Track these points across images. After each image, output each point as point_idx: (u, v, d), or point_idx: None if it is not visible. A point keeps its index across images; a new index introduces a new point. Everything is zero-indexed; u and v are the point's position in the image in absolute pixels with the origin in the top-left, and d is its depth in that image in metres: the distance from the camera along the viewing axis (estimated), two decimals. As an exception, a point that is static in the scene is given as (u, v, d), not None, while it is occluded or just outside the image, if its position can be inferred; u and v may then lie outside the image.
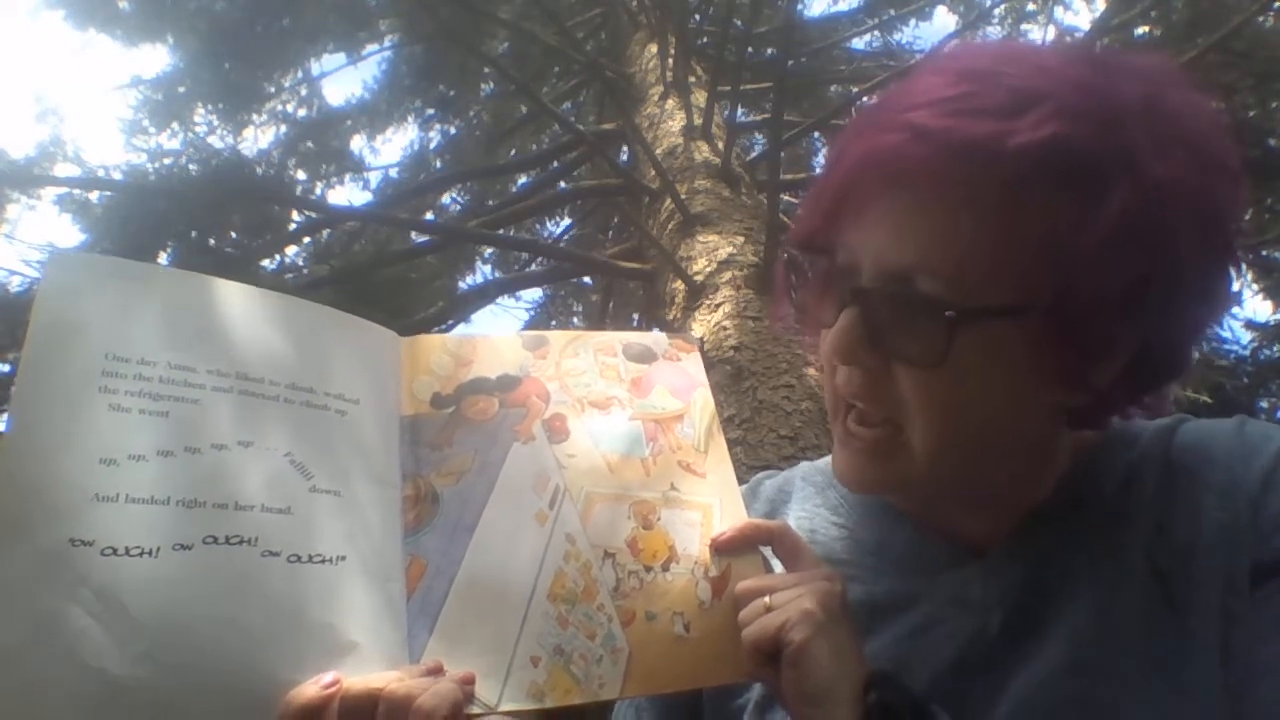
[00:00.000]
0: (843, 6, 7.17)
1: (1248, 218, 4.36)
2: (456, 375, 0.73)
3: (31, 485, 0.52)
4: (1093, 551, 0.59)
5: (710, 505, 0.69)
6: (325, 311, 0.70)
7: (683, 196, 3.56)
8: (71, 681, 0.49)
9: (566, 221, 6.97)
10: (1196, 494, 0.58)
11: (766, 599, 0.60)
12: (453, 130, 7.20)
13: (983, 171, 0.50)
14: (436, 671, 0.57)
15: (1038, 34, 6.19)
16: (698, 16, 5.89)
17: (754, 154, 5.10)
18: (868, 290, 0.55)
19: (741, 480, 0.74)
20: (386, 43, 6.24)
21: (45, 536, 0.51)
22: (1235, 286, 0.58)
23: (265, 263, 5.14)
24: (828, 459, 0.79)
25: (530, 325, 6.87)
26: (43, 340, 0.57)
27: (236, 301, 0.65)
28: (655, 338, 0.80)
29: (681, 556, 0.66)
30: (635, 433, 0.72)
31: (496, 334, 0.78)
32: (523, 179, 6.68)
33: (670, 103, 4.45)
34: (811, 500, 0.74)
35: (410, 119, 7.03)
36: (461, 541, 0.64)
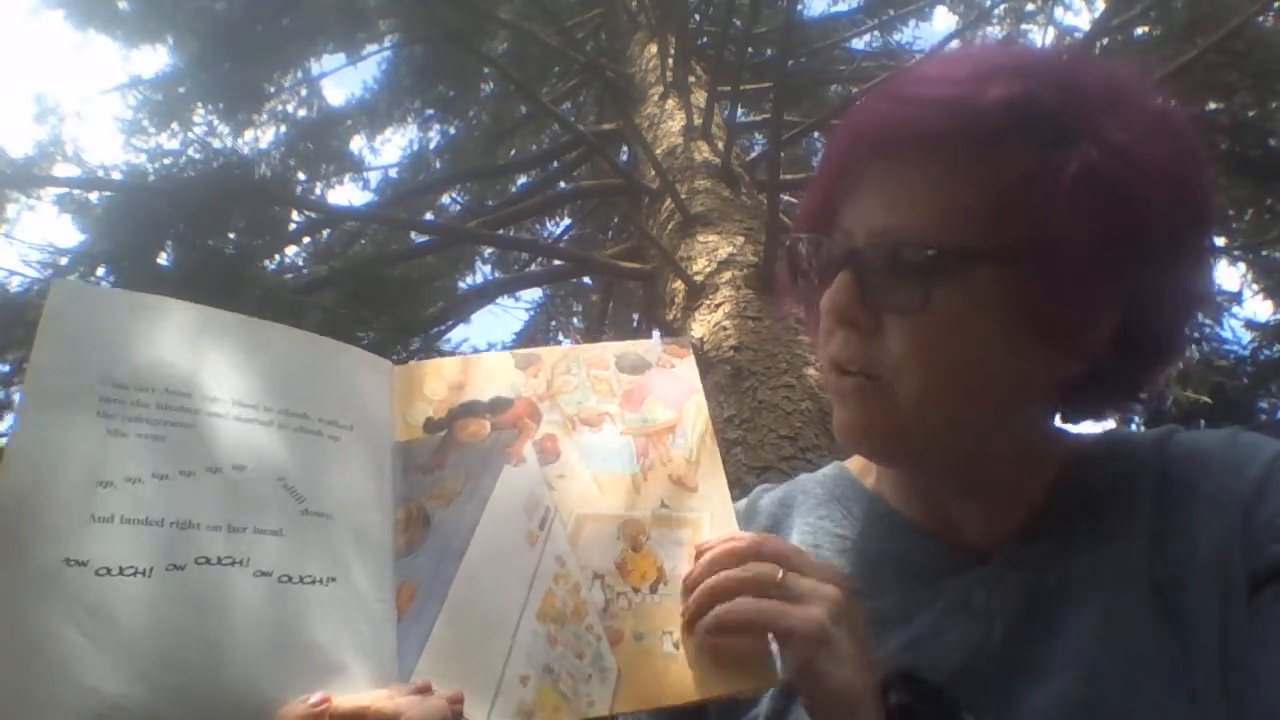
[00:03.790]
0: (843, 6, 7.17)
1: (1247, 218, 4.36)
2: (449, 399, 0.74)
3: (28, 505, 0.53)
4: (1094, 558, 0.60)
5: (700, 519, 0.69)
6: (320, 341, 0.72)
7: (683, 196, 3.56)
8: (65, 702, 0.49)
9: (566, 221, 6.99)
10: (1191, 505, 0.59)
11: (779, 574, 0.57)
12: (453, 130, 7.20)
13: (958, 126, 0.55)
14: (425, 690, 0.58)
15: (1038, 34, 6.20)
16: (698, 16, 5.89)
17: (754, 154, 5.09)
18: (859, 250, 0.59)
19: (741, 484, 0.74)
20: (386, 43, 6.23)
21: (40, 556, 0.52)
22: (1217, 273, 0.60)
23: (265, 263, 5.13)
24: (825, 470, 0.79)
25: (530, 325, 6.87)
26: (45, 366, 0.58)
27: (232, 331, 0.67)
28: (648, 345, 0.79)
29: (670, 577, 0.66)
30: (626, 449, 0.72)
31: (489, 355, 0.79)
32: (523, 179, 6.69)
33: (670, 103, 4.46)
34: (814, 513, 0.74)
35: (410, 119, 7.03)
36: (452, 564, 0.65)
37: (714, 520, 0.69)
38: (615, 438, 0.73)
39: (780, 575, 0.56)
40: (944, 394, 0.57)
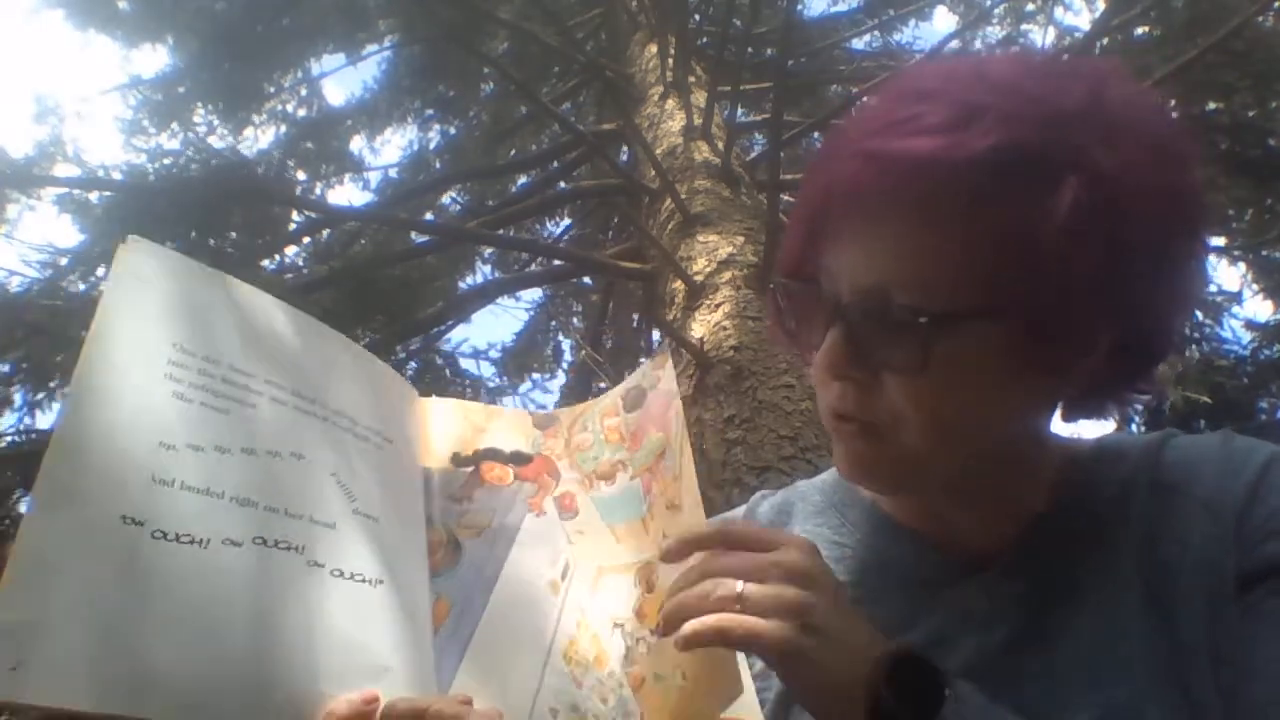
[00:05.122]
0: (843, 6, 7.17)
1: (1247, 218, 4.36)
2: (473, 440, 0.75)
3: (89, 458, 0.51)
4: (1091, 564, 0.60)
5: None
6: (367, 355, 0.72)
7: (683, 196, 3.56)
8: (105, 661, 0.47)
9: (566, 221, 6.98)
10: (1184, 507, 0.59)
11: (738, 587, 0.54)
12: (453, 130, 7.20)
13: (935, 185, 0.52)
14: (468, 704, 0.57)
15: (1038, 34, 6.20)
16: (698, 16, 5.89)
17: (754, 154, 5.09)
18: (848, 308, 0.57)
19: (741, 484, 0.73)
20: (386, 43, 6.23)
21: (97, 510, 0.50)
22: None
23: (265, 263, 5.13)
24: (824, 477, 0.79)
25: (530, 325, 6.87)
26: (112, 318, 0.56)
27: (293, 324, 0.67)
28: (642, 373, 0.79)
29: None
30: (635, 493, 0.72)
31: (509, 410, 0.80)
32: (523, 179, 6.68)
33: (670, 103, 4.45)
34: (812, 520, 0.74)
35: (410, 119, 7.03)
36: (484, 592, 0.66)
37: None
38: (626, 485, 0.73)
39: (740, 589, 0.54)
40: (946, 438, 0.57)
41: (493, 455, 0.75)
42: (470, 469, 0.73)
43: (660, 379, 0.76)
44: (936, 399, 0.55)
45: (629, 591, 0.67)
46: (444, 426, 0.75)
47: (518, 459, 0.75)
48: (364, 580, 0.59)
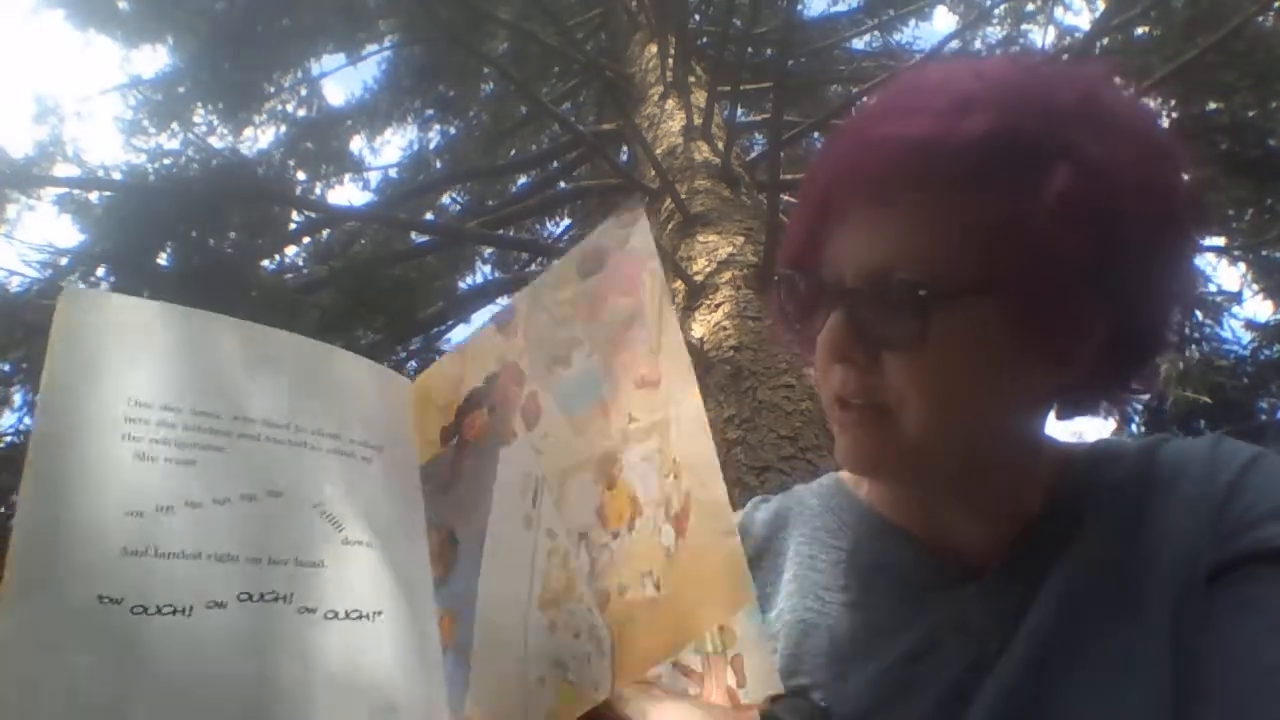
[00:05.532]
0: (843, 6, 7.18)
1: (1247, 218, 4.36)
2: (457, 397, 0.69)
3: (56, 538, 0.49)
4: (1085, 568, 0.60)
5: (666, 421, 0.58)
6: (343, 355, 0.67)
7: (683, 196, 3.57)
8: None
9: (566, 221, 6.98)
10: (1168, 504, 0.60)
11: None
12: (453, 130, 7.21)
13: (932, 167, 0.55)
14: None
15: (1038, 34, 6.21)
16: (697, 16, 5.89)
17: (754, 154, 5.10)
18: (850, 290, 0.59)
19: (741, 484, 0.71)
20: (386, 43, 6.25)
21: (72, 593, 0.48)
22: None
23: (265, 263, 5.14)
24: (820, 481, 0.79)
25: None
26: (60, 385, 0.54)
27: (252, 341, 0.63)
28: (604, 230, 0.66)
29: (644, 504, 0.57)
30: (592, 372, 0.63)
31: (476, 335, 0.72)
32: (523, 179, 6.69)
33: (670, 103, 4.46)
34: (809, 524, 0.75)
35: (410, 119, 7.04)
36: (475, 580, 0.62)
37: (681, 421, 0.57)
38: (583, 363, 0.63)
39: None
40: (947, 420, 0.58)
41: (471, 405, 0.68)
42: (455, 439, 0.67)
43: (630, 237, 0.64)
44: (935, 378, 0.57)
45: (590, 491, 0.59)
46: (430, 403, 0.69)
47: (490, 387, 0.67)
48: (360, 616, 0.56)
